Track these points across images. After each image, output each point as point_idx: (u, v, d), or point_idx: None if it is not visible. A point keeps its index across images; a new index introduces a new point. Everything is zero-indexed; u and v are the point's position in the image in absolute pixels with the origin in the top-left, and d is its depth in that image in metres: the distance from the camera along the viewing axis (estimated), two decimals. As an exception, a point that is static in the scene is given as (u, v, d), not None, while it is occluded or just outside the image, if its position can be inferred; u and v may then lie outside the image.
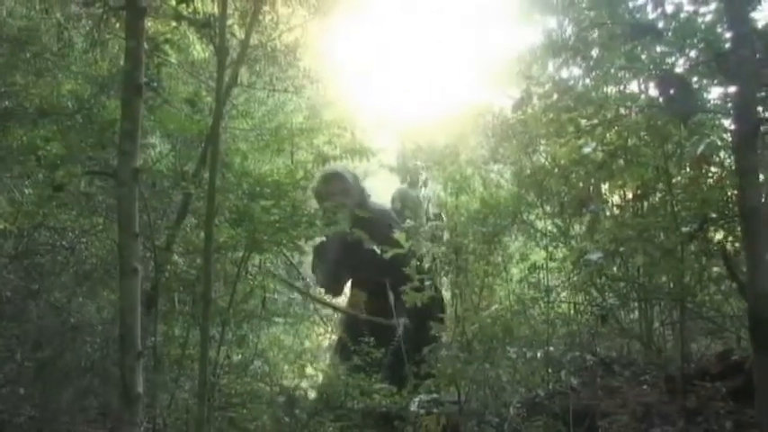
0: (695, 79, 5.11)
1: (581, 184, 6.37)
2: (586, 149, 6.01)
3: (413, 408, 4.78)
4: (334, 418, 4.55)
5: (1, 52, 5.69)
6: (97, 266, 5.33)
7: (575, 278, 6.80)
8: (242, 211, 4.59)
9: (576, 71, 6.06)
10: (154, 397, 4.44)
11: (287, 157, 7.07)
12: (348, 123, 6.05)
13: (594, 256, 5.41)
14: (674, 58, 5.26)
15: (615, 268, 6.65)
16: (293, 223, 4.62)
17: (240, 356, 5.90)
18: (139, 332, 3.23)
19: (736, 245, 5.62)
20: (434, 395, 5.09)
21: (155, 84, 5.27)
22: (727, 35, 4.91)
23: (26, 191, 5.76)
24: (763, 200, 3.12)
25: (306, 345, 7.58)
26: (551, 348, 5.95)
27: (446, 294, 7.85)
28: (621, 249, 5.83)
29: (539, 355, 5.82)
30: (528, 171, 7.20)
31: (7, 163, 5.46)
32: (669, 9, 5.08)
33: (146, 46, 3.73)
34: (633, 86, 6.38)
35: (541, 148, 7.43)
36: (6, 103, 5.65)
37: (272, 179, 4.97)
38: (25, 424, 4.49)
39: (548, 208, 7.16)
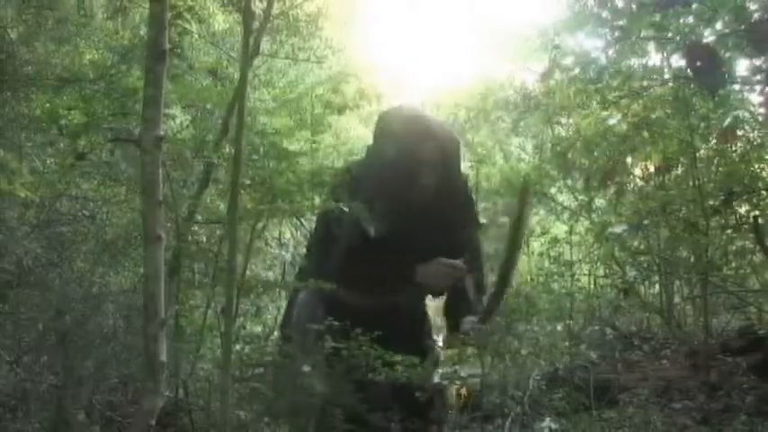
0: (723, 51, 5.03)
1: (605, 157, 6.33)
2: (611, 121, 5.96)
3: (436, 379, 4.74)
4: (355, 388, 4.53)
5: (24, 18, 5.67)
6: (119, 236, 5.32)
7: (596, 252, 6.78)
8: (263, 178, 4.56)
9: (601, 43, 6.00)
10: (176, 366, 4.44)
11: (308, 129, 7.05)
12: (370, 94, 5.99)
13: (618, 229, 5.39)
14: (702, 29, 5.19)
15: (637, 242, 6.62)
16: (313, 187, 4.57)
17: (261, 327, 5.91)
18: (163, 300, 3.21)
19: (760, 220, 5.58)
20: (456, 367, 5.05)
21: (178, 51, 5.24)
22: (756, 5, 4.85)
23: (48, 160, 5.76)
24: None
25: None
26: (572, 322, 5.93)
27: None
28: (646, 222, 5.79)
29: (559, 328, 5.80)
30: (550, 144, 7.16)
31: (29, 131, 5.45)
32: (697, -22, 5.00)
33: (168, 13, 3.69)
34: (658, 58, 6.32)
35: (563, 120, 7.39)
36: (29, 69, 5.63)
37: (295, 149, 4.95)
38: (47, 392, 4.50)
39: (569, 181, 7.13)
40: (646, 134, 6.11)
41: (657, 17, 4.93)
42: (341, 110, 5.72)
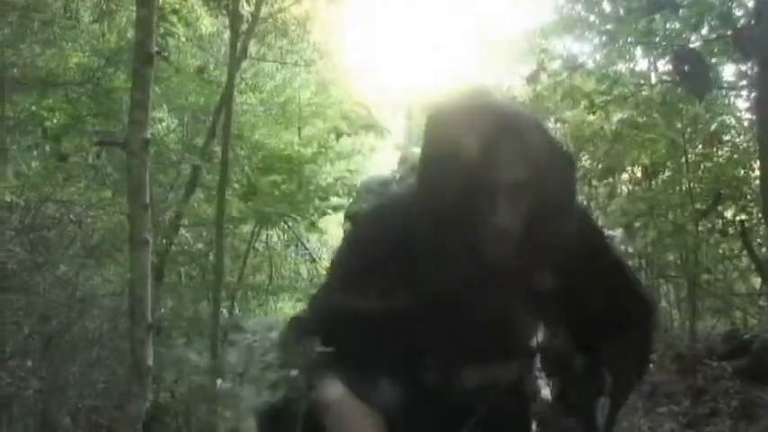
0: (710, 56, 5.04)
1: (594, 160, 6.32)
2: (599, 125, 5.96)
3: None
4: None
5: (8, 21, 5.61)
6: (105, 239, 5.27)
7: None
8: (252, 185, 4.54)
9: (588, 47, 6.01)
10: (161, 370, 4.41)
11: (294, 133, 7.02)
12: (359, 99, 5.95)
13: (610, 233, 5.38)
14: (688, 34, 5.20)
15: (624, 245, 6.62)
16: (305, 197, 4.54)
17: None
18: (149, 304, 3.19)
19: (746, 224, 5.59)
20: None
21: (165, 54, 5.20)
22: (741, 12, 4.87)
23: (33, 163, 5.70)
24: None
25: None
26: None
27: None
28: (637, 225, 5.79)
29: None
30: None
31: (14, 134, 5.40)
32: (684, -16, 5.02)
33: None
34: (644, 63, 6.33)
35: (551, 124, 7.39)
36: (14, 71, 5.58)
37: (282, 153, 4.93)
38: (32, 397, 4.46)
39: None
40: (635, 137, 6.11)
41: (644, 22, 4.94)
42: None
